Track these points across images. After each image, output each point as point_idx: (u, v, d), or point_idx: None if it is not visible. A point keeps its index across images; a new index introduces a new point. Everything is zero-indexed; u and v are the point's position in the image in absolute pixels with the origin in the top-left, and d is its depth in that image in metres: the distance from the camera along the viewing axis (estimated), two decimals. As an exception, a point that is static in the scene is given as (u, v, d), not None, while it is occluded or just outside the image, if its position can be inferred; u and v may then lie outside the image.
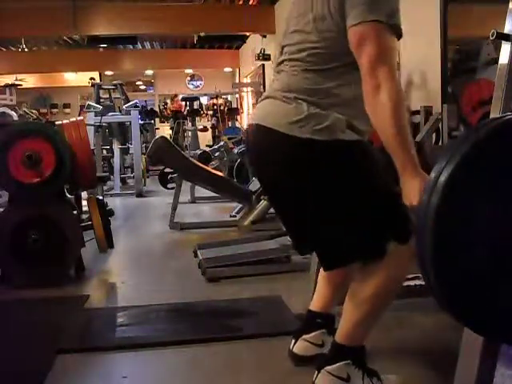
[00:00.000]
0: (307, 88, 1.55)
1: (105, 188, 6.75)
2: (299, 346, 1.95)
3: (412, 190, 1.36)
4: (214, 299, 2.81)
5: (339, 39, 1.49)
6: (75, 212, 3.43)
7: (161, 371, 2.03)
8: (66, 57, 13.23)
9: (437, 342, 2.17)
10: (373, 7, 1.42)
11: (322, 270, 1.96)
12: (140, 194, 7.45)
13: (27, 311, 2.71)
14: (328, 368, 1.67)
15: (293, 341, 1.97)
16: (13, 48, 12.84)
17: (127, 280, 3.32)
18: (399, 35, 1.47)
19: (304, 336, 1.95)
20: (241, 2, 9.86)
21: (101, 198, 3.76)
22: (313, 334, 1.93)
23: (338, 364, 1.67)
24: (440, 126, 3.85)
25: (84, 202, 4.24)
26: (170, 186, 6.86)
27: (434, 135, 3.93)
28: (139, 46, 13.19)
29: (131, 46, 13.18)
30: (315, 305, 1.98)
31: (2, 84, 11.02)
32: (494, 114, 1.44)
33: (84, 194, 4.51)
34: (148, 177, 9.16)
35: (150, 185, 8.59)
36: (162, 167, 7.14)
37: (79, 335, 2.38)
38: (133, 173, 8.27)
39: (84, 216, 3.92)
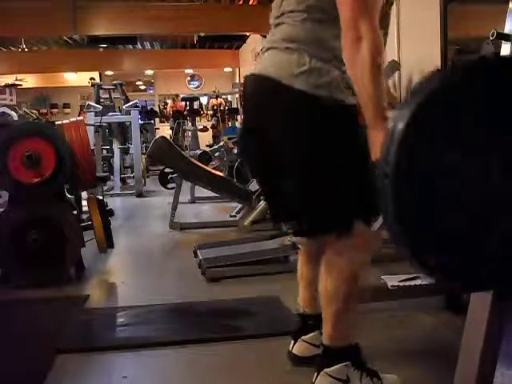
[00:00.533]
0: (308, 38, 1.54)
1: (105, 188, 6.74)
2: (298, 347, 1.96)
3: (378, 144, 1.29)
4: (214, 299, 2.81)
5: None
6: (75, 212, 3.43)
7: (161, 371, 2.03)
8: (65, 57, 13.23)
9: (437, 342, 2.17)
10: None
11: (300, 272, 1.97)
12: (140, 194, 7.44)
13: (27, 311, 2.71)
14: (327, 370, 1.67)
15: (292, 342, 1.98)
16: (13, 48, 12.84)
17: (127, 280, 3.32)
18: None
19: (302, 337, 1.95)
20: (241, 2, 9.86)
21: (101, 198, 3.76)
22: (310, 334, 1.93)
23: (337, 366, 1.67)
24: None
25: (84, 202, 4.24)
26: (169, 185, 6.86)
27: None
28: (139, 46, 13.19)
29: (131, 46, 13.18)
30: (306, 308, 1.98)
31: (2, 84, 11.03)
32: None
33: (84, 194, 4.51)
34: (148, 177, 9.15)
35: (149, 185, 8.58)
36: (161, 167, 7.14)
37: (79, 335, 2.38)
38: (133, 173, 8.26)
39: (84, 216, 3.92)
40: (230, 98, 15.35)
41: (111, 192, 7.67)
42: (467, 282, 1.06)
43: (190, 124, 11.92)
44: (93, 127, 6.89)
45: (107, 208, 3.66)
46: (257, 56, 1.79)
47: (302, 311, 1.98)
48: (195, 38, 10.89)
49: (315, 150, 1.54)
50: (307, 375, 1.74)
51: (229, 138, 7.77)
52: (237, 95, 14.07)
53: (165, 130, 12.89)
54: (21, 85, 12.03)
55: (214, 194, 5.82)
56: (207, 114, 14.37)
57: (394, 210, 0.99)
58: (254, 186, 5.09)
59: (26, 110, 10.86)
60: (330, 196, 1.57)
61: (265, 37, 10.13)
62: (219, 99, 13.71)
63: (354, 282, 1.63)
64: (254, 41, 10.94)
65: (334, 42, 1.51)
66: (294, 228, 1.80)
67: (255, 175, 1.93)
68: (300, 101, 1.52)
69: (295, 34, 1.57)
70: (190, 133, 11.69)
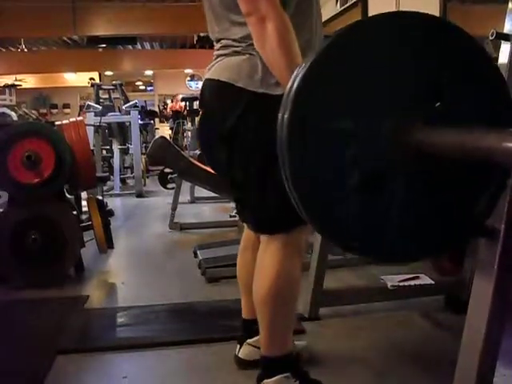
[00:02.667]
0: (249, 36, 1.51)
1: (105, 188, 6.74)
2: (244, 351, 1.96)
3: None
4: (214, 299, 2.81)
5: None
6: (75, 212, 3.43)
7: (161, 371, 2.03)
8: (65, 57, 13.25)
9: (436, 342, 2.17)
10: None
11: (238, 275, 1.96)
12: (140, 194, 7.44)
13: (27, 311, 2.70)
14: (267, 381, 1.66)
15: (238, 346, 1.98)
16: (12, 48, 12.85)
17: (127, 280, 3.32)
18: None
19: (248, 340, 1.95)
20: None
21: (101, 198, 3.76)
22: (255, 338, 1.89)
23: (276, 377, 1.65)
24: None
25: (84, 202, 4.24)
26: (169, 186, 6.86)
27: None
28: (139, 46, 13.20)
29: (131, 47, 13.19)
30: (245, 313, 1.97)
31: (2, 84, 11.03)
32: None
33: (84, 195, 4.51)
34: (148, 177, 9.15)
35: (149, 185, 8.58)
36: (161, 167, 7.13)
37: (79, 335, 2.38)
38: (132, 173, 8.26)
39: (84, 216, 3.92)
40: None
41: (111, 192, 7.67)
42: (366, 247, 1.04)
43: (189, 124, 11.91)
44: (92, 127, 6.89)
45: (107, 208, 3.67)
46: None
47: (246, 316, 1.97)
48: (195, 38, 10.89)
49: (264, 149, 1.52)
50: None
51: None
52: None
53: (164, 130, 12.89)
54: (20, 85, 12.03)
55: (213, 194, 5.81)
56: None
57: (291, 178, 0.99)
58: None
59: (25, 110, 10.86)
60: (275, 198, 1.52)
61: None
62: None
63: (284, 285, 1.60)
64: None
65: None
66: (248, 225, 1.78)
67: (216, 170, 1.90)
68: (252, 102, 1.51)
69: (240, 35, 1.54)
70: (189, 133, 11.69)
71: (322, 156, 0.96)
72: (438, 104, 0.97)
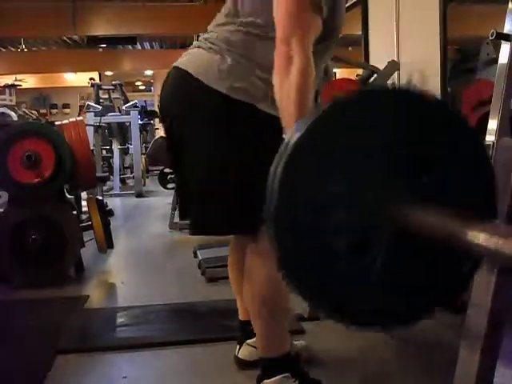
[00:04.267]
0: (234, 44, 1.53)
1: (104, 188, 6.75)
2: (243, 352, 1.95)
3: None
4: (214, 299, 2.81)
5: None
6: (75, 212, 3.43)
7: (161, 371, 2.03)
8: (65, 57, 13.24)
9: (437, 342, 2.17)
10: None
11: (230, 276, 1.97)
12: (140, 194, 7.44)
13: (27, 311, 2.71)
14: (266, 381, 1.66)
15: (237, 346, 1.97)
16: (12, 48, 12.85)
17: (127, 280, 3.32)
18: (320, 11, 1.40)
19: (247, 341, 1.95)
20: (240, 2, 9.86)
21: (100, 198, 3.76)
22: (255, 338, 1.86)
23: (276, 377, 1.65)
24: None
25: (84, 202, 4.24)
26: (169, 186, 6.86)
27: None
28: (139, 46, 13.20)
29: (131, 47, 13.18)
30: (241, 314, 1.97)
31: (2, 84, 11.03)
32: (494, 113, 1.45)
33: (84, 195, 4.51)
34: (148, 177, 9.16)
35: (149, 185, 8.58)
36: (161, 167, 7.13)
37: (79, 335, 2.38)
38: (132, 173, 8.27)
39: (84, 216, 3.92)
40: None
41: (111, 192, 7.67)
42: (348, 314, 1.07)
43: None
44: (92, 127, 6.90)
45: (107, 208, 3.67)
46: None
47: (242, 318, 1.96)
48: (195, 38, 10.89)
49: (221, 148, 1.54)
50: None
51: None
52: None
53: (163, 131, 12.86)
54: (20, 85, 12.02)
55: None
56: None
57: (274, 233, 1.00)
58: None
59: (25, 110, 10.85)
60: (231, 197, 1.55)
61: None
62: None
63: (275, 287, 1.58)
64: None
65: (263, 54, 1.50)
66: (189, 226, 1.76)
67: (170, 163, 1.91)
68: (214, 101, 1.52)
69: (222, 38, 1.56)
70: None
71: (307, 220, 0.98)
72: (424, 179, 1.00)
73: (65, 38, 11.83)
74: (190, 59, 1.63)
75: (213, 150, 1.55)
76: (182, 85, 1.62)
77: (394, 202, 0.97)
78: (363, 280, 1.01)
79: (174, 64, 1.66)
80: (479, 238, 0.78)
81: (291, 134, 1.00)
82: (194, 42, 1.68)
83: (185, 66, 1.60)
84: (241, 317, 1.97)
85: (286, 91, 1.32)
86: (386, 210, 0.97)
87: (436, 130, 1.01)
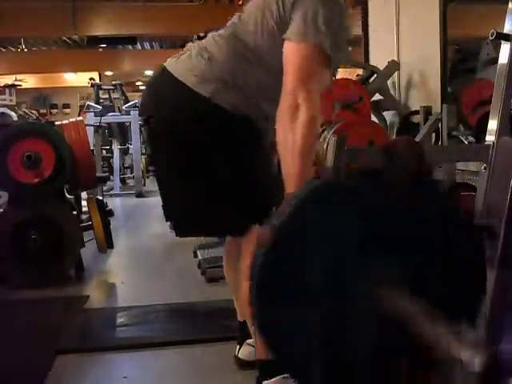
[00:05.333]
0: (225, 58, 1.54)
1: (104, 188, 6.74)
2: (243, 352, 1.95)
3: None
4: (214, 299, 2.81)
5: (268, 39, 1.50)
6: (75, 212, 3.43)
7: (161, 371, 2.03)
8: (65, 57, 13.23)
9: (437, 342, 2.17)
10: (322, 31, 1.38)
11: (226, 277, 1.98)
12: (140, 195, 7.44)
13: (27, 311, 2.70)
14: (266, 382, 1.66)
15: (237, 346, 1.97)
16: (12, 48, 12.85)
17: (127, 280, 3.32)
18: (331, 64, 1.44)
19: (247, 341, 1.94)
20: (240, 3, 9.86)
21: (100, 198, 3.76)
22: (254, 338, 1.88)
23: (276, 378, 1.65)
24: (440, 125, 3.86)
25: (84, 203, 4.24)
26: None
27: (433, 135, 3.93)
28: (139, 46, 13.19)
29: (131, 47, 13.18)
30: (240, 315, 1.97)
31: (2, 84, 11.02)
32: (494, 113, 1.45)
33: (84, 195, 4.51)
34: (148, 177, 9.15)
35: (149, 185, 8.58)
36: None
37: (79, 335, 2.38)
38: (132, 173, 8.26)
39: (84, 216, 3.92)
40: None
41: (111, 192, 7.67)
42: None
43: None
44: (92, 127, 6.89)
45: (107, 208, 3.67)
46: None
47: (240, 318, 1.96)
48: (195, 38, 10.89)
49: (203, 152, 1.55)
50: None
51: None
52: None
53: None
54: (20, 85, 12.02)
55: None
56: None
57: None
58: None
59: (25, 110, 10.84)
60: (221, 200, 1.57)
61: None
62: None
63: None
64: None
65: (250, 78, 1.53)
66: (174, 227, 1.78)
67: (152, 162, 1.92)
68: (197, 104, 1.53)
69: (214, 50, 1.57)
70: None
71: (289, 308, 1.00)
72: (412, 279, 1.00)
73: (65, 38, 11.82)
74: (177, 61, 1.64)
75: (200, 153, 1.56)
76: (166, 87, 1.63)
77: (380, 291, 0.97)
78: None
79: (164, 64, 1.67)
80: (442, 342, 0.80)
81: (278, 215, 1.01)
82: (188, 45, 1.70)
83: (170, 67, 1.62)
84: (239, 317, 1.97)
85: (291, 148, 1.32)
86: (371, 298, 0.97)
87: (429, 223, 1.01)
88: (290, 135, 1.33)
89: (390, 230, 0.99)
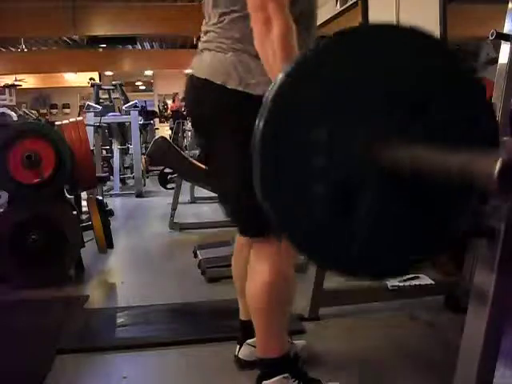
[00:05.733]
0: (237, 35, 1.52)
1: (104, 188, 6.74)
2: (244, 352, 1.95)
3: None
4: (214, 299, 2.81)
5: None
6: (75, 212, 3.43)
7: (161, 371, 2.03)
8: (65, 57, 13.24)
9: (437, 342, 2.17)
10: None
11: (234, 274, 1.96)
12: (140, 195, 7.44)
13: (27, 311, 2.71)
14: (266, 382, 1.66)
15: (238, 346, 1.97)
16: (12, 48, 12.85)
17: (127, 280, 3.32)
18: None
19: (248, 341, 1.94)
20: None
21: (100, 198, 3.75)
22: (255, 338, 1.84)
23: (276, 378, 1.65)
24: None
25: (84, 202, 4.24)
26: (169, 186, 6.86)
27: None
28: (139, 46, 13.20)
29: (131, 47, 13.19)
30: (242, 314, 1.97)
31: (2, 84, 11.03)
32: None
33: (84, 195, 4.51)
34: (148, 177, 9.16)
35: (149, 185, 8.58)
36: (161, 167, 7.14)
37: (79, 335, 2.38)
38: (132, 173, 8.26)
39: (84, 216, 3.92)
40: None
41: (111, 192, 7.67)
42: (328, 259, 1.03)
43: (189, 124, 11.90)
44: (92, 127, 6.89)
45: (107, 208, 3.67)
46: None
47: (243, 318, 1.96)
48: (195, 38, 10.90)
49: (242, 150, 1.54)
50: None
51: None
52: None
53: (164, 130, 12.89)
54: (20, 85, 12.03)
55: (213, 194, 5.80)
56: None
57: (260, 186, 0.98)
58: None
59: (25, 110, 10.85)
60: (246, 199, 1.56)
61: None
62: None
63: (278, 288, 1.59)
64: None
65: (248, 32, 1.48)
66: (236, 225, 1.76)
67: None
68: (232, 99, 1.52)
69: (226, 33, 1.55)
70: (189, 133, 11.69)
71: (293, 167, 0.96)
72: (416, 121, 0.96)
73: (65, 38, 11.83)
74: (202, 63, 1.61)
75: (237, 151, 1.52)
76: (201, 93, 1.60)
77: (381, 141, 0.93)
78: (347, 226, 0.97)
79: (190, 71, 1.65)
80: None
81: (275, 81, 0.97)
82: (200, 45, 1.67)
83: (199, 72, 1.59)
84: (242, 316, 1.97)
85: (271, 49, 1.30)
86: (372, 150, 0.93)
87: (431, 70, 0.97)
88: (267, 43, 1.31)
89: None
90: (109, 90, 10.02)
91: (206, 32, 1.64)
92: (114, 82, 10.27)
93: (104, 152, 8.54)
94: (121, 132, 8.34)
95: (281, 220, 0.99)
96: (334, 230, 0.98)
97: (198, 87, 1.60)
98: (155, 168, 8.71)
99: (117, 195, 7.62)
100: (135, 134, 7.68)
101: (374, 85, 0.96)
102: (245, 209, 1.54)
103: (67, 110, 15.55)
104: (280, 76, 0.96)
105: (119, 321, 2.55)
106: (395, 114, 0.96)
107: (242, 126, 1.50)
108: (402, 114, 0.96)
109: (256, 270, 1.62)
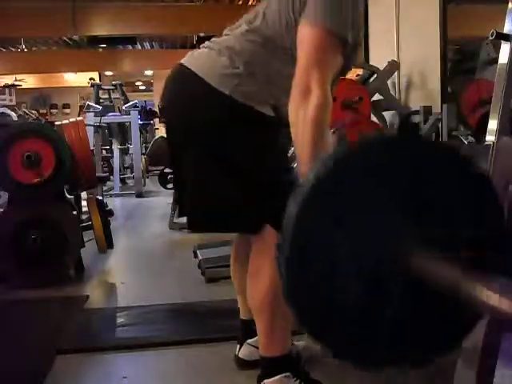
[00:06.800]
0: (244, 52, 1.54)
1: (104, 188, 6.75)
2: (244, 351, 1.95)
3: None
4: (214, 299, 2.81)
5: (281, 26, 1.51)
6: (75, 212, 3.43)
7: (161, 371, 2.03)
8: (65, 57, 13.24)
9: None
10: (328, 12, 1.38)
11: (232, 275, 1.96)
12: (140, 195, 7.44)
13: (27, 311, 2.71)
14: (267, 381, 1.66)
15: (238, 346, 1.97)
16: (12, 48, 12.85)
17: (127, 280, 3.32)
18: (344, 45, 1.42)
19: (248, 341, 1.94)
20: (240, 3, 9.86)
21: (100, 198, 3.75)
22: (255, 338, 1.86)
23: (277, 377, 1.65)
24: (440, 125, 3.86)
25: (84, 203, 4.24)
26: (169, 186, 6.85)
27: (433, 135, 3.93)
28: (139, 46, 13.20)
29: (131, 47, 13.18)
30: (242, 313, 1.97)
31: (2, 84, 11.03)
32: (494, 113, 1.45)
33: (84, 195, 4.51)
34: (148, 177, 9.16)
35: (149, 185, 8.58)
36: (161, 167, 7.13)
37: (79, 335, 2.38)
38: (132, 173, 8.27)
39: (84, 216, 3.92)
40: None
41: (111, 192, 7.68)
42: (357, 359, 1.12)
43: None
44: (92, 127, 6.89)
45: (107, 208, 3.66)
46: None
47: (243, 317, 1.96)
48: (195, 38, 10.90)
49: (221, 151, 1.56)
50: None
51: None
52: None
53: (164, 130, 12.85)
54: (20, 85, 12.04)
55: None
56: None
57: (286, 287, 1.04)
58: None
59: (25, 110, 10.86)
60: (236, 197, 1.56)
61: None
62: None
63: (279, 286, 1.59)
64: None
65: (271, 69, 1.53)
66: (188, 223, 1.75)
67: (170, 162, 1.92)
68: (216, 101, 1.53)
69: (232, 44, 1.57)
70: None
71: (320, 270, 0.99)
72: (434, 226, 0.98)
73: (65, 38, 11.83)
74: (196, 58, 1.63)
75: (216, 150, 1.56)
76: (185, 84, 1.62)
77: (407, 249, 0.96)
78: (371, 324, 1.03)
79: (180, 61, 1.66)
80: (478, 293, 0.79)
81: (305, 178, 0.99)
82: (206, 43, 1.67)
83: (190, 64, 1.61)
84: (242, 315, 1.97)
85: (301, 128, 1.32)
86: (400, 258, 0.96)
87: (446, 177, 0.99)
88: (301, 115, 1.32)
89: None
90: (109, 90, 10.03)
91: (224, 34, 1.65)
92: (114, 82, 10.27)
93: (104, 152, 8.55)
94: (121, 132, 8.34)
95: (307, 324, 1.04)
96: (358, 326, 1.04)
97: (189, 81, 1.60)
98: (155, 168, 8.70)
99: (117, 195, 7.62)
100: (135, 134, 7.69)
101: (404, 194, 0.99)
102: (240, 208, 1.56)
103: (67, 110, 15.55)
104: (310, 179, 0.97)
105: (119, 321, 2.55)
106: (416, 220, 0.98)
107: (236, 128, 1.53)
108: (422, 219, 0.99)
109: (258, 268, 1.62)
